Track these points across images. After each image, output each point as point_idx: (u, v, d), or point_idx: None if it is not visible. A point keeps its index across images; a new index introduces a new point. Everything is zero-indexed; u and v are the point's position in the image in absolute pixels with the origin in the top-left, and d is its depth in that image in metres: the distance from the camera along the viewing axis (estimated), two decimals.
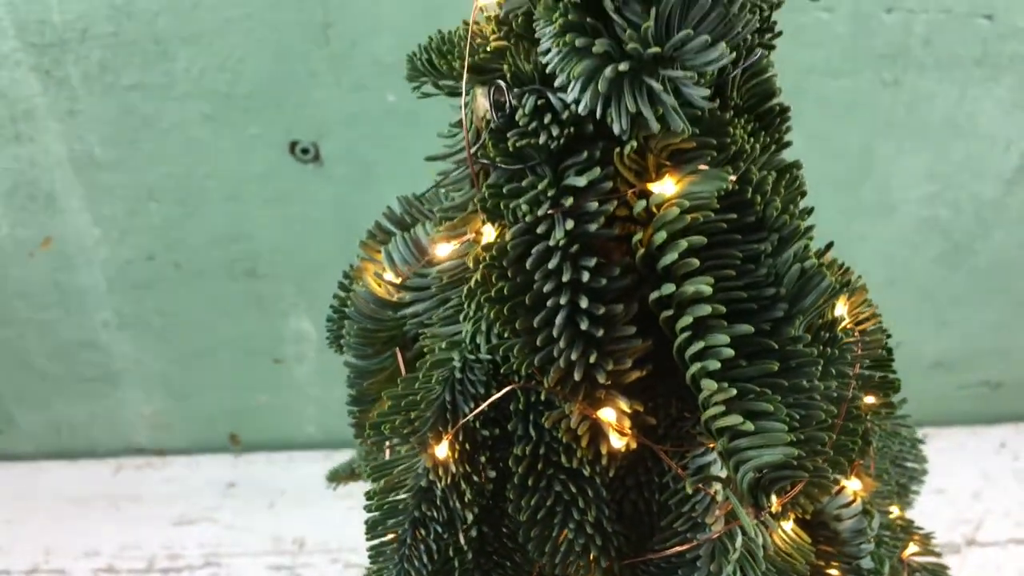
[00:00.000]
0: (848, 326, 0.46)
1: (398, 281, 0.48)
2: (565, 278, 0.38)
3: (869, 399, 0.52)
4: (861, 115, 1.27)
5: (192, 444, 1.65)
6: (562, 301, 0.38)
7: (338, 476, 0.72)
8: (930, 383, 1.61)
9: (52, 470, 1.64)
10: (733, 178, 0.38)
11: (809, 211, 0.41)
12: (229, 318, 1.46)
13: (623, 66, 0.33)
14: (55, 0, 1.13)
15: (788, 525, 0.46)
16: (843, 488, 0.50)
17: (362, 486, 0.93)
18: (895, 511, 0.59)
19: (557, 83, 0.36)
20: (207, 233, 1.36)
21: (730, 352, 0.36)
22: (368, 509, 0.49)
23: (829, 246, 0.46)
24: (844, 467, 0.45)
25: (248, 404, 1.59)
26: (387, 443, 0.45)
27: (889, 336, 0.51)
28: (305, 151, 1.28)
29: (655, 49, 0.33)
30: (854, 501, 0.49)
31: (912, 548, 0.62)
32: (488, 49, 0.40)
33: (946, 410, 1.65)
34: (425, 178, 1.36)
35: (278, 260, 1.40)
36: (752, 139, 0.39)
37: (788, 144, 0.44)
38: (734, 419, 0.36)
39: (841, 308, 0.45)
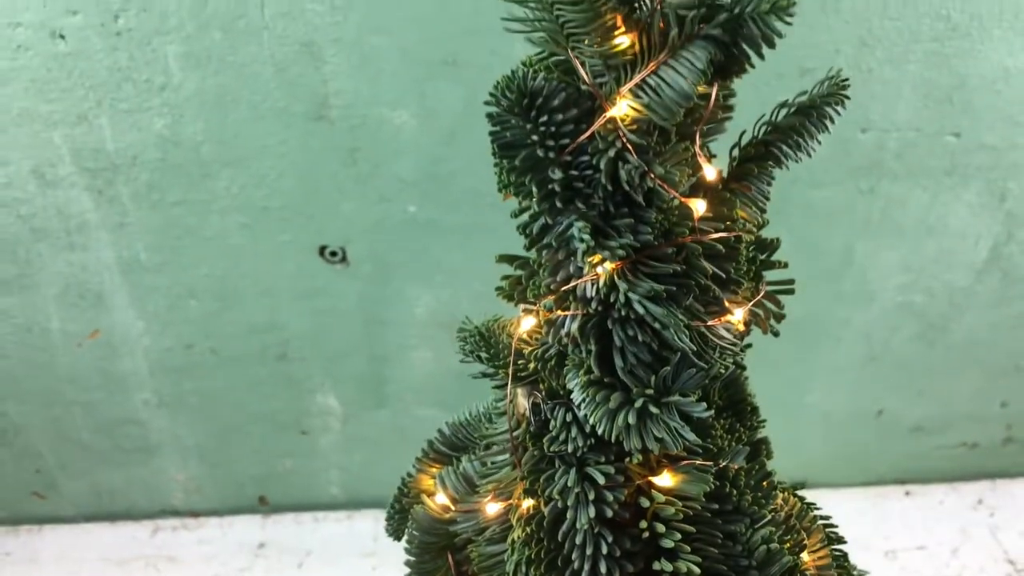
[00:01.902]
0: (807, 566, 0.59)
1: (450, 506, 0.61)
2: (588, 551, 0.51)
3: None
4: (841, 218, 1.40)
5: (223, 505, 1.78)
6: (586, 567, 0.51)
7: None
8: (911, 445, 1.75)
9: (94, 532, 1.77)
10: (716, 469, 0.51)
11: (774, 493, 0.54)
12: (260, 396, 1.60)
13: (632, 418, 0.46)
14: (109, 132, 1.26)
15: None
16: None
17: (387, 550, 1.07)
18: None
19: (581, 415, 0.49)
20: (242, 324, 1.49)
21: None
22: None
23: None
24: None
25: (276, 469, 1.73)
26: None
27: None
28: (334, 253, 1.41)
29: (655, 410, 0.46)
30: None
31: None
32: (529, 367, 0.53)
33: (926, 468, 1.79)
34: (441, 280, 1.49)
35: (307, 346, 1.53)
36: (730, 436, 0.52)
37: (761, 429, 0.57)
38: None
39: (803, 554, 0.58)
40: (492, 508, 0.57)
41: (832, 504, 0.97)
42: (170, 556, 1.73)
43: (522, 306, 0.53)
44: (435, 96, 1.24)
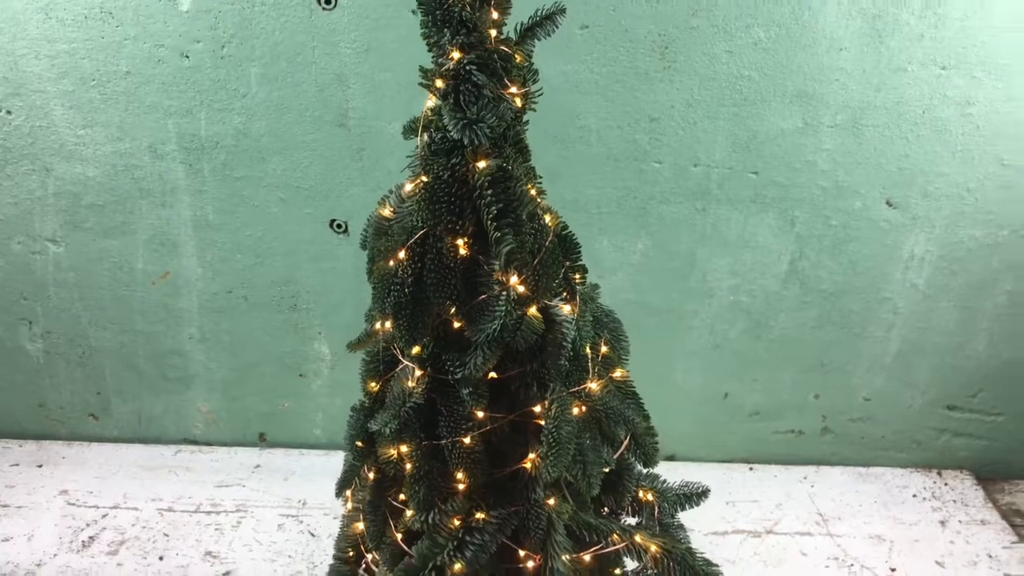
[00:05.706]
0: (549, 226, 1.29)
1: (391, 209, 1.33)
2: (449, 191, 1.22)
3: (577, 277, 1.35)
4: (685, 230, 2.12)
5: (231, 438, 2.43)
6: (446, 200, 1.22)
7: (353, 345, 1.52)
8: (751, 428, 2.38)
9: (130, 449, 2.42)
10: (503, 164, 1.23)
11: (534, 178, 1.26)
12: (274, 339, 2.28)
13: (465, 122, 1.18)
14: (204, 123, 2.02)
15: (534, 309, 1.27)
16: (561, 306, 1.32)
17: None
18: (604, 348, 1.40)
19: (451, 132, 1.21)
20: (268, 277, 2.20)
21: (497, 212, 1.19)
22: (373, 279, 1.29)
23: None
24: (551, 273, 1.27)
25: (276, 409, 2.38)
26: (378, 260, 1.28)
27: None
28: (339, 226, 2.13)
29: (475, 118, 1.18)
30: (563, 308, 1.31)
31: (618, 373, 1.43)
32: (430, 118, 1.26)
33: (766, 451, 2.42)
34: None
35: (312, 299, 2.23)
36: (514, 154, 1.25)
37: (530, 162, 1.30)
38: (503, 244, 1.18)
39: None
40: (408, 187, 1.28)
41: (694, 474, 1.65)
42: (187, 467, 2.36)
43: (428, 93, 1.26)
44: (416, 113, 2.01)
